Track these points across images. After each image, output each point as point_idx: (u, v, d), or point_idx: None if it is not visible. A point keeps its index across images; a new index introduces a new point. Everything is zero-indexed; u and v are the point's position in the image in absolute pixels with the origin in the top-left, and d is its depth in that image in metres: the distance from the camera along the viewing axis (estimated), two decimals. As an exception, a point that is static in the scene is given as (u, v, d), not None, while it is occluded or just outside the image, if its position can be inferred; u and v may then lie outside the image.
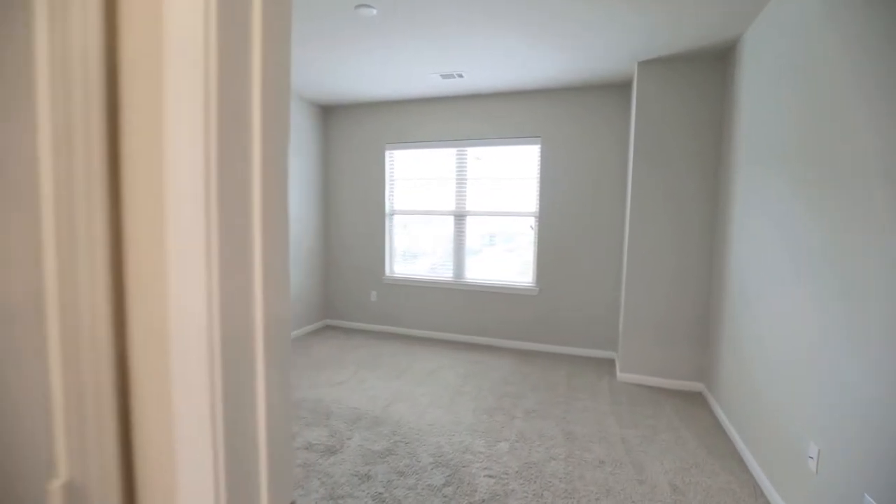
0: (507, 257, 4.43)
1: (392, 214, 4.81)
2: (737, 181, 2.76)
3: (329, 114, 4.90)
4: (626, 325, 3.47)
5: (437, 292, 4.61)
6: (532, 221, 4.26)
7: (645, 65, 3.28)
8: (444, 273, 4.63)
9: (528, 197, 4.26)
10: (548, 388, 3.33)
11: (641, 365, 3.45)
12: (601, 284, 4.04)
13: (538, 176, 4.18)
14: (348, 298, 5.02)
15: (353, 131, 4.81)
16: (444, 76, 3.65)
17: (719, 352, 2.95)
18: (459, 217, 4.51)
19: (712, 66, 3.14)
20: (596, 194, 3.99)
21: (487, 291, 4.41)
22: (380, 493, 2.07)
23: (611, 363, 3.92)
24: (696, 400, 3.18)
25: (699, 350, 3.30)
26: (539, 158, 4.15)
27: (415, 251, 4.80)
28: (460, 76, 3.66)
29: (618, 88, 3.85)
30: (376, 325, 4.92)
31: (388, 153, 4.71)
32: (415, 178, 4.70)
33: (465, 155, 4.43)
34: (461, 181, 4.47)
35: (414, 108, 4.53)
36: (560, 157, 4.07)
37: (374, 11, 2.56)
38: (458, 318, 4.56)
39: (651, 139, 3.30)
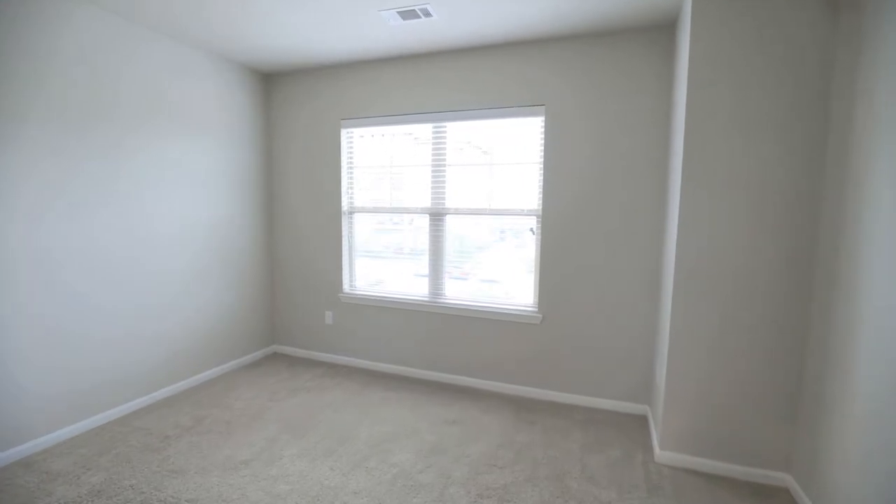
0: (519, 255, 3.30)
1: (351, 213, 3.70)
2: (882, 173, 1.61)
3: (272, 84, 3.80)
4: (671, 380, 2.33)
5: (409, 316, 3.50)
6: (533, 223, 3.13)
7: (705, -17, 2.12)
8: (420, 291, 3.51)
9: (527, 189, 3.13)
10: (553, 478, 2.21)
11: (692, 439, 2.31)
12: (629, 312, 2.89)
13: (541, 160, 3.04)
14: (299, 320, 3.94)
15: (302, 105, 3.71)
16: (404, 13, 2.52)
17: (830, 433, 1.81)
18: (436, 217, 3.39)
19: (816, -21, 1.97)
20: (622, 185, 2.84)
21: (473, 317, 3.28)
22: None
23: (642, 423, 2.78)
24: (782, 502, 2.04)
25: (785, 424, 2.15)
26: (542, 136, 3.01)
27: (387, 255, 3.69)
28: (427, 14, 2.52)
29: (654, 33, 2.69)
30: (332, 355, 3.82)
31: (345, 132, 3.60)
32: (379, 164, 3.59)
33: (444, 132, 3.31)
34: (439, 168, 3.34)
35: (376, 72, 3.41)
36: (571, 134, 2.93)
37: None
38: (434, 351, 3.44)
39: (714, 105, 2.14)
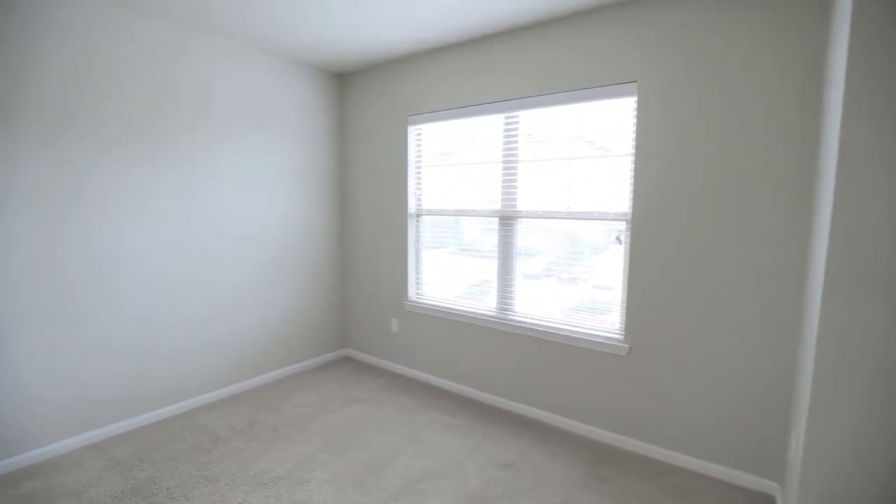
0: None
1: (418, 215, 3.47)
2: None
3: (345, 84, 3.74)
4: (812, 447, 1.60)
5: (472, 331, 3.14)
6: (621, 229, 2.54)
7: None
8: (487, 305, 3.13)
9: (614, 189, 2.54)
10: (621, 569, 1.67)
11: (848, 553, 1.56)
12: (752, 346, 2.16)
13: (632, 151, 2.44)
14: (368, 326, 3.83)
15: (370, 103, 3.58)
16: (458, -16, 2.17)
17: None
18: (507, 221, 2.97)
19: None
20: (744, 175, 2.12)
21: (544, 339, 2.80)
22: None
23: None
24: None
25: None
26: (635, 121, 2.41)
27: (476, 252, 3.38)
28: (485, -19, 2.14)
29: (803, -31, 1.94)
30: (397, 365, 3.63)
31: (412, 129, 3.37)
32: (448, 164, 3.29)
33: (517, 124, 2.88)
34: (510, 165, 2.92)
35: (439, 61, 3.11)
36: (672, 116, 2.28)
37: None
38: (499, 374, 3.03)
39: (886, 54, 1.40)
